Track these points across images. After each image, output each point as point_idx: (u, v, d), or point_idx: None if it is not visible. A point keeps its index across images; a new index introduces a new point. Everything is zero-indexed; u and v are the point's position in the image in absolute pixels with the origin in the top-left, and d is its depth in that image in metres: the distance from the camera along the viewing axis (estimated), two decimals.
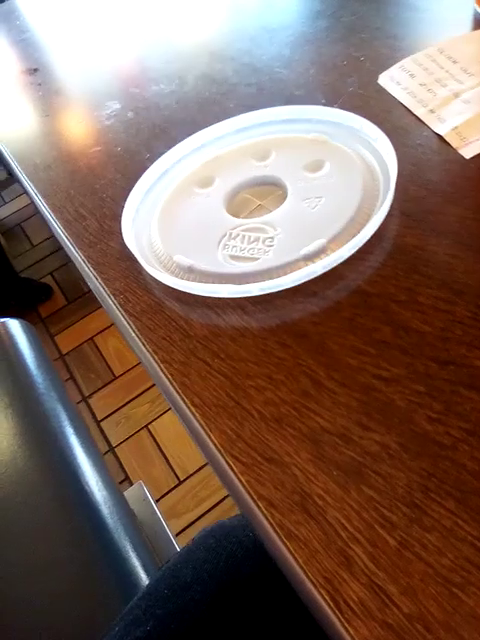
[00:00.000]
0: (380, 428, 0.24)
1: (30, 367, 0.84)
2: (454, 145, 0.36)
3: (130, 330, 0.32)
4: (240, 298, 0.31)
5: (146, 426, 1.38)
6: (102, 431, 1.40)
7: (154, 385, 1.45)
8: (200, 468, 1.26)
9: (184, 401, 0.28)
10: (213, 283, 0.31)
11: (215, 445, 0.26)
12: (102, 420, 1.43)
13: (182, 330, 0.31)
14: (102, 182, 0.42)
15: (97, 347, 1.62)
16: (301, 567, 0.21)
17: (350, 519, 0.22)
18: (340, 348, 0.27)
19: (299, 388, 0.27)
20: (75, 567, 0.59)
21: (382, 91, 0.42)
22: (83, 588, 0.58)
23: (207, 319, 0.31)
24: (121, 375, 1.52)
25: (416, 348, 0.26)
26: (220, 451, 0.25)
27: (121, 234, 0.36)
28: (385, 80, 0.43)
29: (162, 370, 0.29)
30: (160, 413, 1.40)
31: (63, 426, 0.75)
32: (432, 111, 0.38)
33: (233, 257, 0.33)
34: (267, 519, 0.23)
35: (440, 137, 0.36)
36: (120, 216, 0.38)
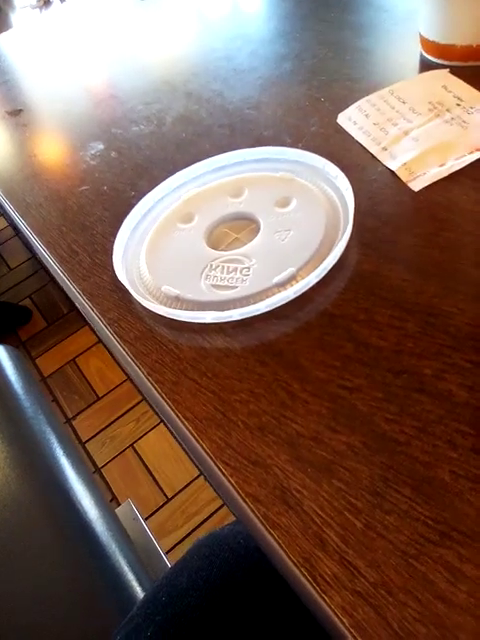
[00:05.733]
0: (346, 430, 0.28)
1: (18, 392, 0.86)
2: (404, 179, 0.41)
3: (126, 355, 0.36)
4: (223, 323, 0.35)
5: (131, 445, 1.40)
6: (87, 452, 1.42)
7: (138, 404, 1.48)
8: (187, 484, 1.28)
9: (177, 416, 0.32)
10: (198, 310, 0.36)
11: (206, 453, 0.30)
12: (87, 441, 1.44)
13: (172, 353, 0.35)
14: (91, 219, 0.46)
15: (79, 368, 1.63)
16: (284, 550, 0.25)
17: (323, 508, 0.26)
18: (311, 363, 0.32)
19: (277, 400, 0.31)
20: (72, 585, 0.61)
21: (341, 130, 0.47)
22: (81, 606, 0.60)
23: (194, 342, 0.35)
24: (104, 395, 1.54)
25: (374, 361, 0.30)
26: (211, 458, 0.29)
27: (112, 268, 0.40)
28: (343, 120, 0.48)
29: (156, 390, 0.33)
30: (145, 431, 1.42)
31: (53, 448, 0.77)
32: (385, 148, 0.43)
33: (215, 286, 0.37)
34: (253, 512, 0.27)
35: (392, 172, 0.41)
36: (110, 251, 0.42)
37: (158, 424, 1.42)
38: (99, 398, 1.54)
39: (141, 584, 0.63)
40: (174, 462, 1.34)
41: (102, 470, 1.37)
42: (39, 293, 1.91)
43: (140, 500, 1.28)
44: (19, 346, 1.74)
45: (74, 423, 1.49)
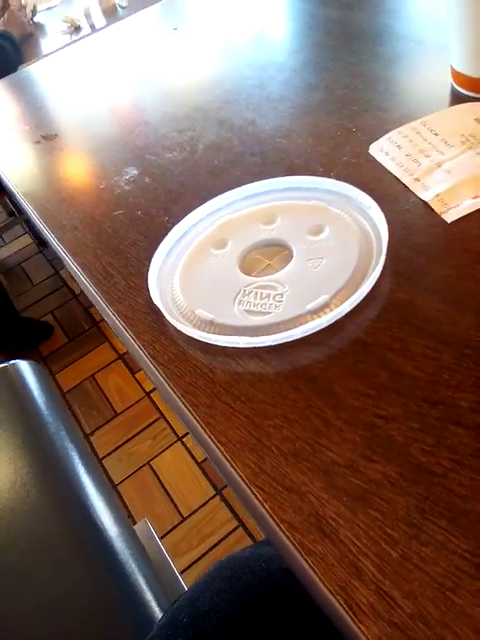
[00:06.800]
0: (382, 460, 0.29)
1: (40, 407, 0.87)
2: (437, 210, 0.41)
3: (160, 377, 0.36)
4: (256, 348, 0.36)
5: (148, 463, 1.40)
6: (104, 469, 1.42)
7: (156, 421, 1.48)
8: (203, 504, 1.28)
9: (211, 439, 0.32)
10: (232, 335, 0.36)
11: (241, 477, 0.30)
12: (104, 457, 1.45)
13: (206, 376, 0.35)
14: (126, 243, 0.48)
15: (98, 384, 1.65)
16: (320, 578, 0.25)
17: (359, 537, 0.26)
18: (345, 391, 0.32)
19: (311, 426, 0.31)
20: (90, 602, 0.61)
21: (373, 160, 0.47)
22: (99, 622, 0.60)
23: (228, 366, 0.36)
24: (122, 412, 1.55)
25: (410, 390, 0.31)
26: (245, 482, 0.30)
27: (147, 290, 0.41)
28: (375, 150, 0.48)
29: (191, 412, 0.34)
30: (162, 449, 1.42)
31: (74, 463, 0.77)
32: (417, 179, 0.44)
33: (248, 311, 0.38)
34: (289, 539, 0.27)
35: (425, 203, 0.42)
36: (144, 274, 0.43)
37: (175, 442, 1.43)
38: (117, 414, 1.55)
39: (159, 603, 0.63)
40: (190, 481, 1.33)
41: (118, 487, 1.37)
42: (61, 309, 1.94)
43: (155, 518, 1.27)
44: (40, 361, 1.76)
45: (92, 439, 1.50)
